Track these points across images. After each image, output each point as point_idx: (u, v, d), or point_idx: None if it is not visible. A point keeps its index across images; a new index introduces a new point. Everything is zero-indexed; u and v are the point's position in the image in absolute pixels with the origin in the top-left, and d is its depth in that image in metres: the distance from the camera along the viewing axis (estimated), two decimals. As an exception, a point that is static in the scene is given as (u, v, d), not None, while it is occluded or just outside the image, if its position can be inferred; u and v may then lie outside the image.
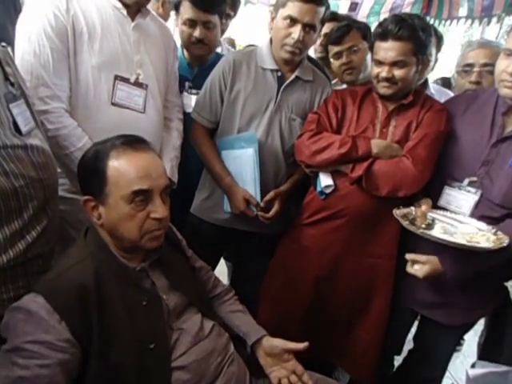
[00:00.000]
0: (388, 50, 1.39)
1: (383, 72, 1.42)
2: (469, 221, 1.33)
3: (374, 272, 1.55)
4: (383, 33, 1.40)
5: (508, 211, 1.30)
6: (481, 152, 1.37)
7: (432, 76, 2.12)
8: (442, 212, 1.38)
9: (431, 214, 1.35)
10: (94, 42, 1.34)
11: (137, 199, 1.00)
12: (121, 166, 1.00)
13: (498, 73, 1.30)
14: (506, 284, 1.36)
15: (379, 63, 1.43)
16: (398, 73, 1.41)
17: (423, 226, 1.30)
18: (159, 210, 1.03)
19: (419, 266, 1.35)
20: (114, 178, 0.99)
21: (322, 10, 1.51)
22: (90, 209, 1.03)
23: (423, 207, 1.37)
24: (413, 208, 1.39)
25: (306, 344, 1.19)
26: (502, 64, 1.28)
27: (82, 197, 1.04)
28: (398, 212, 1.35)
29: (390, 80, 1.42)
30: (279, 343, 1.22)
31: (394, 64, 1.40)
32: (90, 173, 1.03)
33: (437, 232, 1.28)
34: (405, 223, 1.29)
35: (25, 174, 1.00)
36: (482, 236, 1.25)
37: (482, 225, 1.30)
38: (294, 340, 1.44)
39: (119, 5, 1.39)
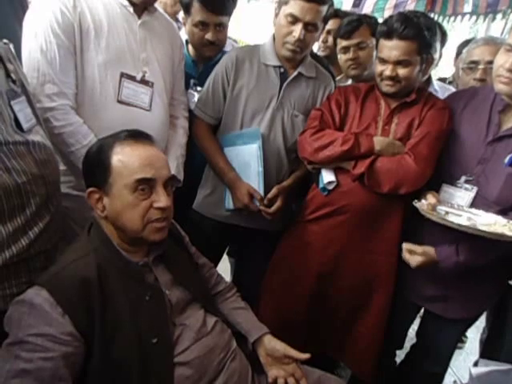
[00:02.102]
0: (392, 48, 1.39)
1: (387, 70, 1.42)
2: (480, 213, 1.32)
3: (375, 268, 1.55)
4: (388, 31, 1.39)
5: (503, 208, 1.31)
6: (477, 150, 1.37)
7: (436, 72, 2.12)
8: (450, 205, 1.37)
9: (442, 208, 1.34)
10: (101, 39, 1.34)
11: (140, 188, 1.02)
12: (124, 156, 1.02)
13: (496, 67, 1.29)
14: (510, 282, 1.36)
15: (383, 61, 1.43)
16: (401, 72, 1.41)
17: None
18: (162, 199, 1.04)
19: (414, 255, 1.38)
20: (118, 168, 1.01)
21: (325, 8, 1.50)
22: (95, 201, 1.05)
23: (432, 199, 1.37)
24: (423, 201, 1.38)
25: (307, 355, 1.20)
26: (501, 59, 1.27)
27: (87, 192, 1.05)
28: (418, 205, 1.35)
29: (394, 79, 1.42)
30: (281, 348, 1.22)
31: (398, 63, 1.40)
32: (94, 165, 1.05)
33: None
34: (435, 217, 1.26)
35: (27, 171, 1.01)
36: (502, 226, 1.23)
37: (494, 216, 1.29)
38: (295, 336, 1.45)
39: (126, 2, 1.39)
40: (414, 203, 1.36)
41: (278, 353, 1.22)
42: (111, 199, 1.03)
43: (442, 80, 2.33)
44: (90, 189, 1.05)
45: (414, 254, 1.39)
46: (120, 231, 1.06)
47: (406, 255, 1.41)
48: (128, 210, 1.02)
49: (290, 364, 1.22)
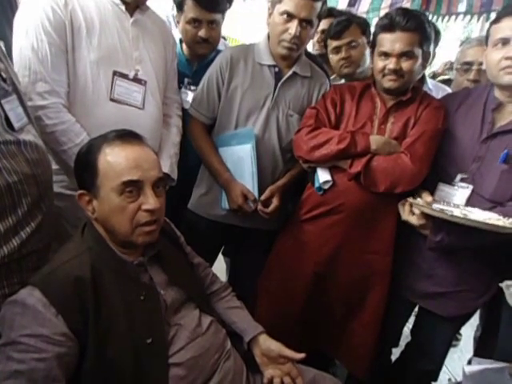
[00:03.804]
0: (396, 41, 1.39)
1: (391, 64, 1.41)
2: (473, 210, 1.32)
3: (370, 267, 1.56)
4: (390, 24, 1.39)
5: (497, 205, 1.32)
6: (472, 148, 1.38)
7: (429, 71, 2.13)
8: (445, 203, 1.38)
9: (437, 206, 1.34)
10: (93, 37, 1.33)
11: (127, 190, 0.99)
12: (111, 158, 1.00)
13: (495, 63, 1.30)
14: (500, 285, 1.37)
15: (385, 55, 1.42)
16: (405, 65, 1.41)
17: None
18: (150, 201, 1.02)
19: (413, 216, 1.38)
20: (104, 170, 1.00)
21: (319, 4, 1.51)
22: (85, 203, 1.04)
23: (428, 198, 1.38)
24: (419, 199, 1.39)
25: (302, 355, 1.19)
26: (496, 55, 1.29)
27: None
28: (413, 201, 1.36)
29: (398, 72, 1.41)
30: (276, 348, 1.22)
31: (402, 55, 1.40)
32: (83, 166, 1.03)
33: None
34: (429, 210, 1.27)
35: (18, 170, 1.00)
36: (497, 221, 1.23)
37: (489, 213, 1.29)
38: (291, 335, 1.45)
39: (117, 0, 1.38)
40: (408, 199, 1.37)
41: (273, 353, 1.21)
42: (100, 202, 1.02)
43: (447, 81, 2.33)
44: (80, 191, 1.04)
45: (414, 215, 1.38)
46: (110, 233, 1.05)
47: (406, 207, 1.40)
48: (116, 213, 1.01)
49: (286, 363, 1.22)
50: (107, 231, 1.05)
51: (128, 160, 1.01)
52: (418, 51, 1.41)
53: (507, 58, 1.26)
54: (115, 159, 1.00)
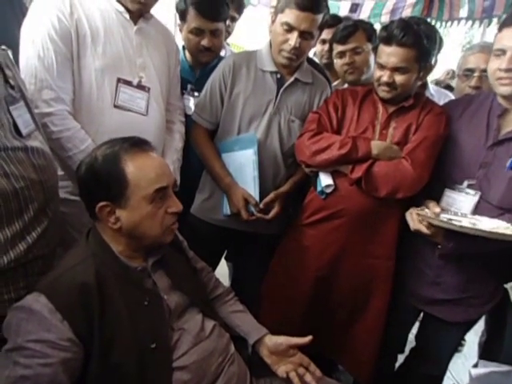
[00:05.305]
0: (391, 55, 1.40)
1: (384, 76, 1.43)
2: (481, 219, 1.32)
3: (372, 272, 1.56)
4: (388, 37, 1.40)
5: (506, 212, 1.31)
6: (478, 154, 1.38)
7: (431, 77, 2.13)
8: (453, 213, 1.38)
9: (445, 216, 1.34)
10: (98, 45, 1.35)
11: (157, 197, 1.04)
12: (139, 168, 1.02)
13: (492, 72, 1.32)
14: (505, 286, 1.37)
15: (381, 67, 1.44)
16: (398, 78, 1.42)
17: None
18: (176, 204, 1.09)
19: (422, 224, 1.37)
20: (135, 180, 1.01)
21: (320, 17, 1.51)
22: (106, 215, 1.03)
23: (436, 209, 1.38)
24: (427, 210, 1.39)
25: (309, 337, 1.20)
26: (494, 64, 1.30)
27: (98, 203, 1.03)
28: (420, 212, 1.37)
29: (391, 85, 1.43)
30: (283, 340, 1.23)
31: (396, 69, 1.41)
32: (105, 179, 1.01)
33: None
34: (437, 221, 1.27)
35: (25, 176, 1.01)
36: (505, 229, 1.23)
37: (497, 221, 1.29)
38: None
39: (122, 9, 1.40)
40: (416, 211, 1.37)
41: (282, 346, 1.22)
42: (129, 211, 1.02)
43: (448, 88, 2.33)
44: (102, 203, 1.02)
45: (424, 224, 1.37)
46: (133, 239, 1.07)
47: (414, 216, 1.39)
48: (147, 219, 1.04)
49: (295, 355, 1.23)
50: (131, 238, 1.06)
51: (155, 168, 1.05)
52: (414, 66, 1.41)
53: (500, 70, 1.28)
54: (143, 169, 1.03)
